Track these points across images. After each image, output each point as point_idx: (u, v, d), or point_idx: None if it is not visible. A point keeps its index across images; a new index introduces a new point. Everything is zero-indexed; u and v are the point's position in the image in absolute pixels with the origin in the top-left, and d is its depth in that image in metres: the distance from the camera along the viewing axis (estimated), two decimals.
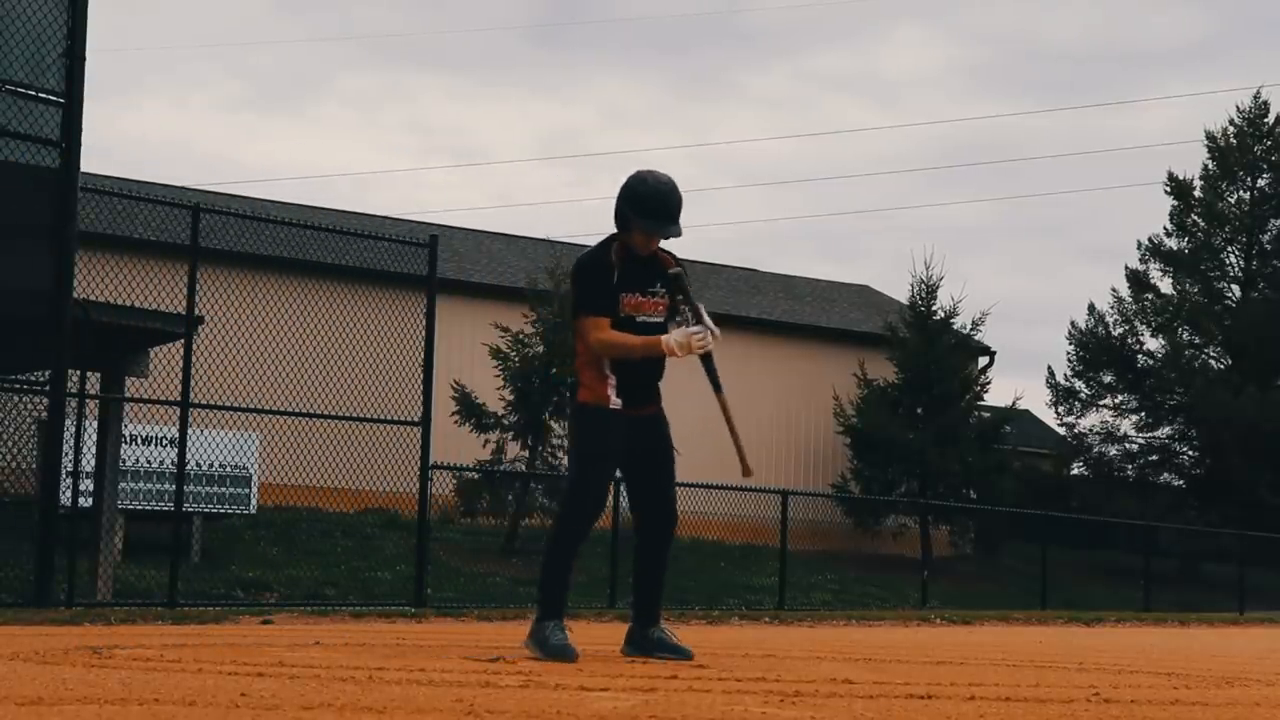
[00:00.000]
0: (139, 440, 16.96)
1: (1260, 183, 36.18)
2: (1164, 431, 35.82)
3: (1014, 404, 30.75)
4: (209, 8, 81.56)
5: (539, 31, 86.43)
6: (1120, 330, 35.91)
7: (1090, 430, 35.74)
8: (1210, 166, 36.35)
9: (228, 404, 13.97)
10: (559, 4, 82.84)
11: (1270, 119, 36.07)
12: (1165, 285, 36.47)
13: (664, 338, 6.44)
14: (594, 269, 6.49)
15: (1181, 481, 35.81)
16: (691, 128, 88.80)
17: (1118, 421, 35.86)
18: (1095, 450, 35.65)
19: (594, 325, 6.45)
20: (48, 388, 11.04)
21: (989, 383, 31.04)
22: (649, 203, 6.44)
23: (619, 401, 6.48)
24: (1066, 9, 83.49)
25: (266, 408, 14.68)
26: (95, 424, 13.45)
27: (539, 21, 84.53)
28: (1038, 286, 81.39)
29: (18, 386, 11.40)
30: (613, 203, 6.55)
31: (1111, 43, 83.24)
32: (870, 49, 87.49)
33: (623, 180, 6.55)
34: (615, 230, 6.57)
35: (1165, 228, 36.63)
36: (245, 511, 18.44)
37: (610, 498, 16.55)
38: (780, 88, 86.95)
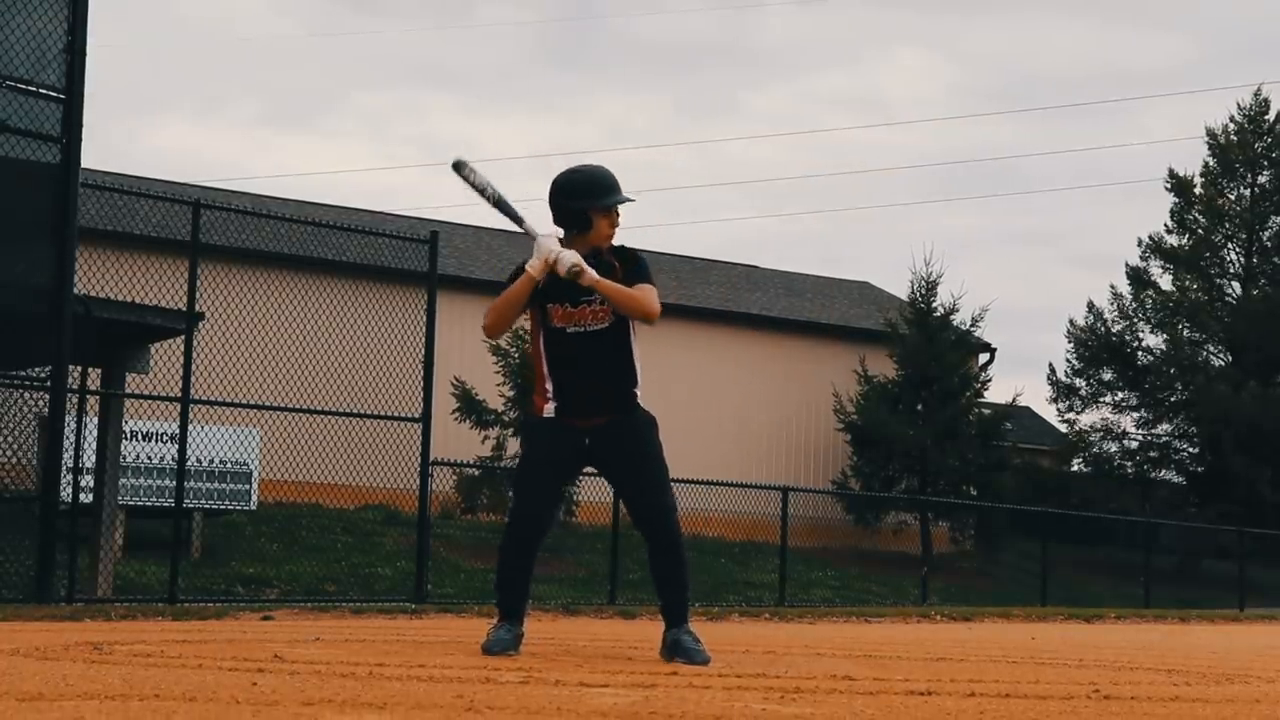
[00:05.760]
0: (139, 436, 16.96)
1: (1261, 179, 36.15)
2: (1164, 428, 35.80)
3: (1014, 400, 30.77)
4: (227, 25, 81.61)
5: (547, 53, 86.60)
6: (1120, 327, 35.90)
7: (1091, 427, 35.74)
8: (1211, 164, 36.33)
9: (228, 400, 13.97)
10: (567, 25, 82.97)
11: (1271, 116, 36.04)
12: (1165, 282, 36.48)
13: (528, 263, 6.39)
14: (522, 268, 6.51)
15: (1181, 478, 35.80)
16: (694, 142, 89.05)
17: (1118, 418, 35.89)
18: (1095, 447, 35.64)
19: (487, 311, 6.63)
20: (48, 383, 11.04)
21: (989, 380, 31.08)
22: (597, 183, 6.47)
23: (552, 410, 6.48)
24: (1065, 34, 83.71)
25: (267, 404, 14.69)
26: (96, 420, 13.45)
27: (547, 42, 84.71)
28: (1038, 297, 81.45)
29: (18, 382, 11.40)
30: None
31: (1109, 63, 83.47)
32: (871, 70, 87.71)
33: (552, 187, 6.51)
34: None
35: (1166, 224, 36.63)
36: (246, 508, 18.44)
37: (611, 497, 16.69)
38: (783, 107, 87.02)
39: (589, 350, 6.44)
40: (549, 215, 6.59)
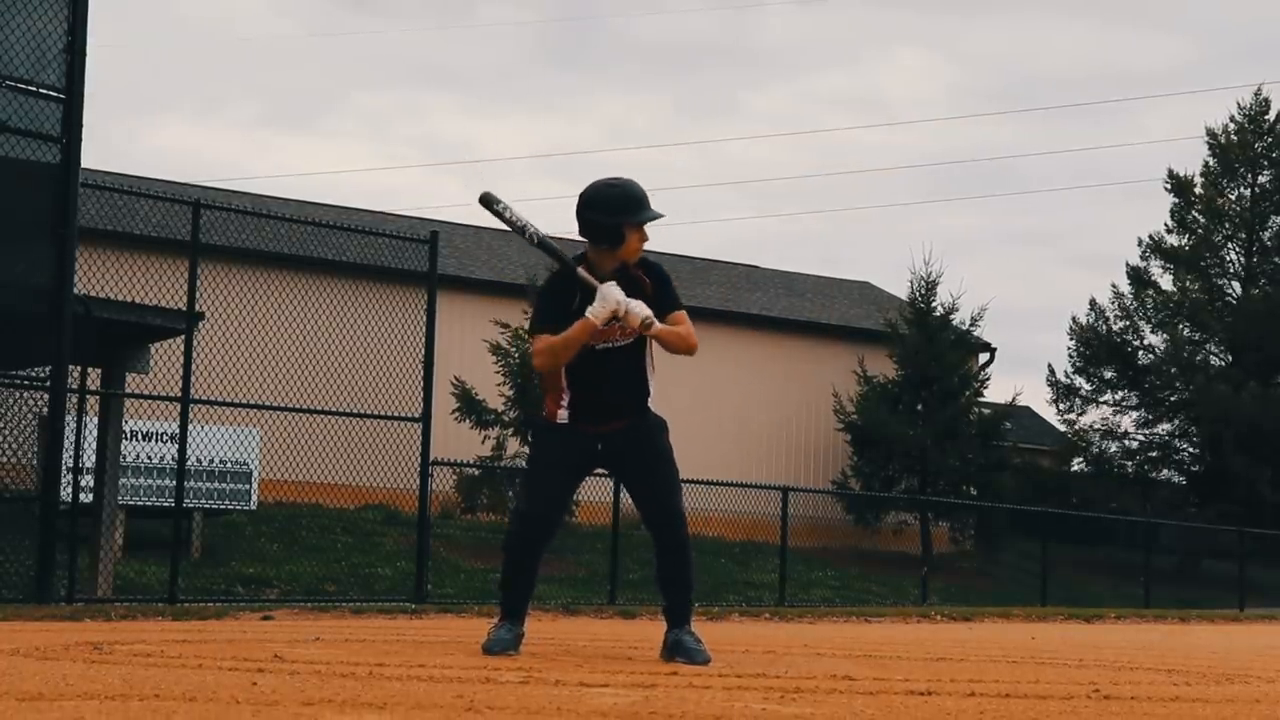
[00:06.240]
0: (139, 436, 16.95)
1: (1261, 179, 36.14)
2: (1164, 428, 35.80)
3: (1014, 400, 30.78)
4: (227, 25, 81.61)
5: (547, 53, 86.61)
6: (1121, 326, 35.89)
7: (1091, 427, 35.75)
8: (1211, 164, 36.32)
9: (228, 400, 13.98)
10: (567, 25, 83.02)
11: (1271, 116, 36.03)
12: (1166, 282, 36.48)
13: (589, 309, 6.31)
14: (557, 289, 6.47)
15: (1182, 478, 35.80)
16: (694, 142, 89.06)
17: (1118, 418, 35.89)
18: (1095, 447, 35.65)
19: (537, 348, 6.50)
20: (48, 383, 11.04)
21: (989, 379, 31.09)
22: (631, 199, 6.43)
23: (566, 417, 6.50)
24: (1065, 34, 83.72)
25: (267, 404, 14.69)
26: (96, 420, 13.45)
27: (547, 42, 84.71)
28: (1037, 297, 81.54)
29: (19, 382, 11.40)
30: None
31: (1109, 63, 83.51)
32: (871, 70, 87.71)
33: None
34: (585, 250, 6.52)
35: (1166, 224, 36.62)
36: (246, 507, 18.43)
37: (612, 497, 16.70)
38: (783, 107, 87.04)
39: (613, 364, 6.47)
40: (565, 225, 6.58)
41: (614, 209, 6.41)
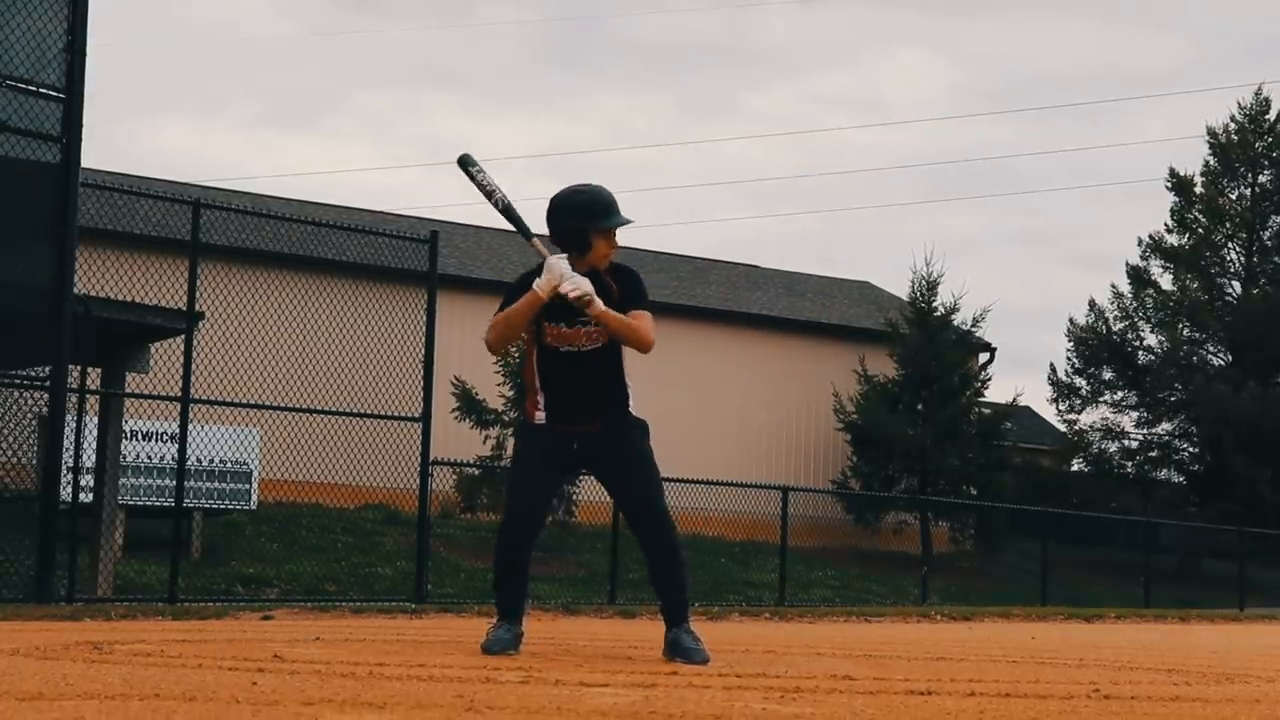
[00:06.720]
0: (139, 436, 16.95)
1: (1261, 179, 36.12)
2: (1164, 428, 35.79)
3: (1014, 400, 30.77)
4: (229, 26, 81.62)
5: (548, 53, 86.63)
6: (1120, 326, 35.88)
7: (1091, 427, 35.74)
8: (1211, 163, 36.30)
9: (228, 400, 13.98)
10: (567, 25, 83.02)
11: (1271, 115, 36.01)
12: (1166, 281, 36.45)
13: (535, 281, 6.37)
14: (526, 285, 6.47)
15: (1182, 478, 35.78)
16: (695, 142, 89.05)
17: (1118, 418, 35.88)
18: (1095, 447, 35.64)
19: (490, 325, 6.59)
20: (48, 383, 11.03)
21: (989, 379, 31.07)
22: (598, 204, 6.47)
23: (543, 417, 6.57)
24: (1066, 34, 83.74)
25: (267, 403, 14.69)
26: (96, 419, 13.44)
27: (548, 42, 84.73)
28: (1037, 297, 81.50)
29: (18, 382, 11.39)
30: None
31: (1109, 63, 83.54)
32: (872, 70, 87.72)
33: (555, 202, 6.51)
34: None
35: (1166, 224, 36.59)
36: (246, 507, 18.43)
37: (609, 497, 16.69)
38: (783, 107, 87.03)
39: (581, 369, 6.51)
40: (541, 226, 6.60)
41: (580, 215, 6.45)
